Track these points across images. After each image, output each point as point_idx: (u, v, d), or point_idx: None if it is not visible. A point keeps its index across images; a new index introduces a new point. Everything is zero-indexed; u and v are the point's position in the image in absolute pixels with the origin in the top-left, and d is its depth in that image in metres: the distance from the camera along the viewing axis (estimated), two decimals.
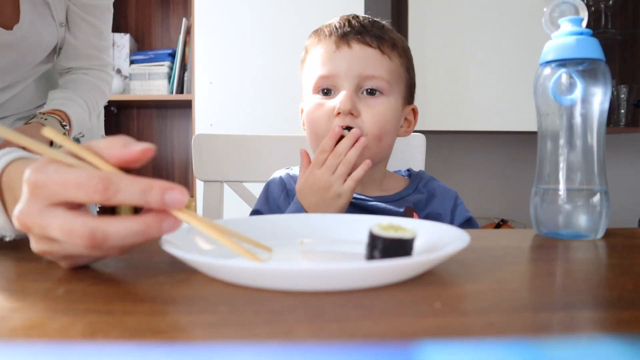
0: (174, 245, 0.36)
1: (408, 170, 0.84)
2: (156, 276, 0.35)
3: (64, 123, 0.83)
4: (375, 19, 0.75)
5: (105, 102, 1.00)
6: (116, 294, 0.31)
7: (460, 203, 0.77)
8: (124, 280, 0.35)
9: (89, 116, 0.92)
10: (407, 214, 0.72)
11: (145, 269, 0.38)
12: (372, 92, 0.70)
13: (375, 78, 0.69)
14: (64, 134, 0.82)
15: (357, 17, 0.74)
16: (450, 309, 0.28)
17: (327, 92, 0.72)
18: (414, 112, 0.78)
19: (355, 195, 0.74)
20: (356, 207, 0.73)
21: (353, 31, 0.71)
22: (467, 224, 0.76)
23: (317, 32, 0.76)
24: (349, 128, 0.68)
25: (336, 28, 0.73)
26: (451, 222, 0.75)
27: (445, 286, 0.33)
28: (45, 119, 0.81)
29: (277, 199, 0.77)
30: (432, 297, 0.30)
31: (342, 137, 0.68)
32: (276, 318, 0.26)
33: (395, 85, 0.72)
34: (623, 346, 0.17)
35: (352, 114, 0.69)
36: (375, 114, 0.69)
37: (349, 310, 0.27)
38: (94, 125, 1.02)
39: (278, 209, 0.76)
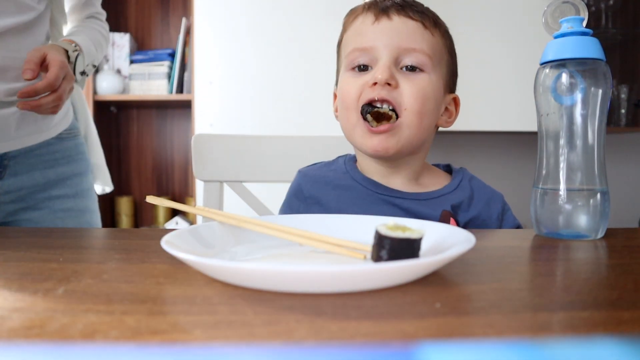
0: (174, 245, 0.36)
1: (447, 165, 0.76)
2: (156, 276, 0.35)
3: (75, 46, 0.85)
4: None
5: (107, 47, 0.99)
6: (116, 294, 0.31)
7: (508, 209, 0.70)
8: (124, 280, 0.35)
9: (95, 50, 0.92)
10: (443, 219, 0.65)
11: (145, 269, 0.38)
12: (412, 68, 0.64)
13: (416, 51, 0.63)
14: (74, 49, 0.84)
15: None
16: (450, 309, 0.28)
17: (363, 68, 0.65)
18: (456, 102, 0.71)
19: (388, 190, 0.68)
20: (388, 203, 0.67)
21: (394, 4, 0.65)
22: None
23: (355, 9, 0.70)
24: (384, 102, 0.62)
25: (376, 2, 0.67)
26: None
27: (445, 286, 0.33)
28: (62, 43, 0.83)
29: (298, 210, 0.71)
30: (432, 297, 0.30)
31: (385, 116, 0.62)
32: (276, 318, 0.26)
33: (437, 64, 0.65)
34: (623, 346, 0.17)
35: (389, 84, 0.61)
36: (415, 87, 0.62)
37: (349, 311, 0.27)
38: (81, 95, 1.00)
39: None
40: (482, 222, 0.67)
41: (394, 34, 0.63)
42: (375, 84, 0.62)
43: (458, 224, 0.66)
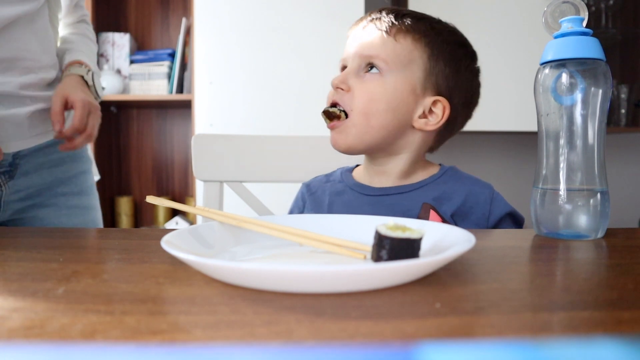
0: (174, 245, 0.36)
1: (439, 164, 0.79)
2: (156, 276, 0.35)
3: (85, 67, 0.89)
4: (423, 14, 0.74)
5: (96, 51, 1.02)
6: (116, 294, 0.31)
7: (497, 196, 0.71)
8: (124, 280, 0.35)
9: (95, 62, 0.96)
10: (423, 210, 0.67)
11: (145, 269, 0.38)
12: (371, 70, 0.70)
13: (372, 57, 0.69)
14: (87, 71, 0.88)
15: (395, 8, 0.75)
16: (450, 309, 0.28)
17: None
18: (443, 105, 0.70)
19: (373, 189, 0.72)
20: (373, 203, 0.71)
21: (371, 16, 0.73)
22: (508, 219, 0.69)
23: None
24: (337, 105, 0.70)
25: (363, 16, 0.75)
26: (487, 219, 0.69)
27: (445, 286, 0.33)
28: (76, 70, 0.87)
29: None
30: (432, 297, 0.30)
31: (336, 116, 0.70)
32: (276, 318, 0.26)
33: (402, 68, 0.69)
34: (623, 346, 0.17)
35: (342, 89, 0.69)
36: (364, 89, 0.69)
37: (349, 310, 0.27)
38: None
39: None
40: (469, 208, 0.69)
41: (360, 42, 0.71)
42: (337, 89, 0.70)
43: (441, 216, 0.67)
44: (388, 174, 0.73)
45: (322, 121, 0.74)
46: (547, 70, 0.54)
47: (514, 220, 0.70)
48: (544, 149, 0.55)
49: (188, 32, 2.10)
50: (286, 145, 0.98)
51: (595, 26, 2.12)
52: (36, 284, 0.34)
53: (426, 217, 0.67)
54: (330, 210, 0.73)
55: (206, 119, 1.76)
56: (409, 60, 0.70)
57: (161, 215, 2.25)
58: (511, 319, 0.26)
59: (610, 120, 2.23)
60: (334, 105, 0.70)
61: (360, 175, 0.77)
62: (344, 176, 0.78)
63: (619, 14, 2.21)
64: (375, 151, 0.72)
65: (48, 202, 0.88)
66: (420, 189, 0.71)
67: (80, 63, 0.89)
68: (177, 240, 0.38)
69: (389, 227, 0.35)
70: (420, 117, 0.71)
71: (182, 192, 2.35)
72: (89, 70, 0.89)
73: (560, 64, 0.52)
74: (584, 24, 0.53)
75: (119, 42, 2.16)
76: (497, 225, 0.69)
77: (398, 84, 0.69)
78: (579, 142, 0.52)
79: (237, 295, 0.30)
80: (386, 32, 0.70)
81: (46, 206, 0.88)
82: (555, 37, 0.53)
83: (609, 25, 2.14)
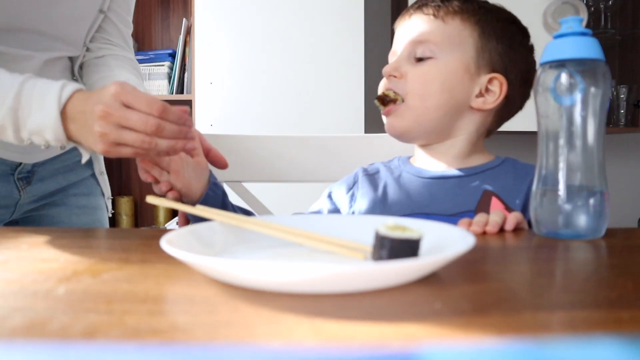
0: (174, 245, 0.36)
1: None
2: (156, 276, 0.35)
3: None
4: None
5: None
6: (116, 294, 0.31)
7: None
8: (124, 280, 0.35)
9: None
10: (484, 198, 0.66)
11: (145, 269, 0.38)
12: (421, 59, 0.70)
13: (423, 43, 0.69)
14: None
15: None
16: (450, 309, 0.28)
17: None
18: (499, 82, 0.70)
19: (428, 172, 0.72)
20: (429, 186, 0.71)
21: (418, 3, 0.73)
22: None
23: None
24: (385, 98, 0.70)
25: (410, 6, 0.74)
26: None
27: (445, 286, 0.33)
28: None
29: (339, 198, 0.77)
30: (432, 297, 0.30)
31: (391, 100, 0.70)
32: (276, 318, 0.26)
33: (455, 48, 0.69)
34: (623, 346, 0.17)
35: (395, 76, 0.70)
36: (417, 73, 0.69)
37: (349, 311, 0.27)
38: None
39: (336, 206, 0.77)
40: None
41: (409, 31, 0.72)
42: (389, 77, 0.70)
43: (505, 203, 0.66)
44: (444, 156, 0.73)
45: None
46: (546, 71, 0.54)
47: None
48: (543, 149, 0.55)
49: (188, 32, 2.10)
50: (286, 145, 0.98)
51: (594, 26, 2.12)
52: (37, 283, 0.34)
53: (487, 205, 0.65)
54: (385, 192, 0.73)
55: (206, 119, 1.76)
56: (459, 40, 0.70)
57: (161, 215, 2.25)
58: (511, 319, 0.27)
59: (610, 121, 2.24)
60: (384, 98, 0.70)
61: (416, 158, 0.77)
62: (400, 161, 0.78)
63: (618, 15, 2.21)
64: (432, 135, 0.71)
65: (60, 202, 0.90)
66: (480, 175, 0.69)
67: None
68: (177, 240, 0.38)
69: (388, 227, 0.35)
70: (477, 96, 0.70)
71: None
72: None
73: (559, 64, 0.52)
74: (584, 24, 0.53)
75: None
76: None
77: (451, 64, 0.69)
78: (578, 142, 0.52)
79: (237, 295, 0.30)
80: (434, 15, 0.70)
81: (58, 205, 0.90)
82: (555, 37, 0.53)
83: (608, 25, 2.14)
